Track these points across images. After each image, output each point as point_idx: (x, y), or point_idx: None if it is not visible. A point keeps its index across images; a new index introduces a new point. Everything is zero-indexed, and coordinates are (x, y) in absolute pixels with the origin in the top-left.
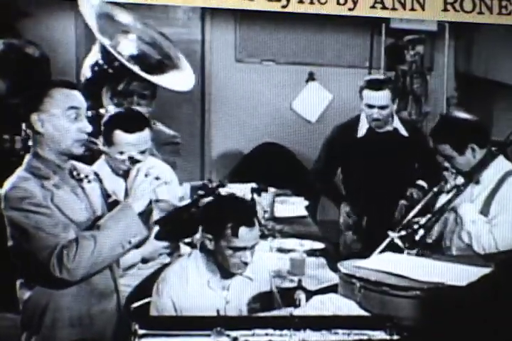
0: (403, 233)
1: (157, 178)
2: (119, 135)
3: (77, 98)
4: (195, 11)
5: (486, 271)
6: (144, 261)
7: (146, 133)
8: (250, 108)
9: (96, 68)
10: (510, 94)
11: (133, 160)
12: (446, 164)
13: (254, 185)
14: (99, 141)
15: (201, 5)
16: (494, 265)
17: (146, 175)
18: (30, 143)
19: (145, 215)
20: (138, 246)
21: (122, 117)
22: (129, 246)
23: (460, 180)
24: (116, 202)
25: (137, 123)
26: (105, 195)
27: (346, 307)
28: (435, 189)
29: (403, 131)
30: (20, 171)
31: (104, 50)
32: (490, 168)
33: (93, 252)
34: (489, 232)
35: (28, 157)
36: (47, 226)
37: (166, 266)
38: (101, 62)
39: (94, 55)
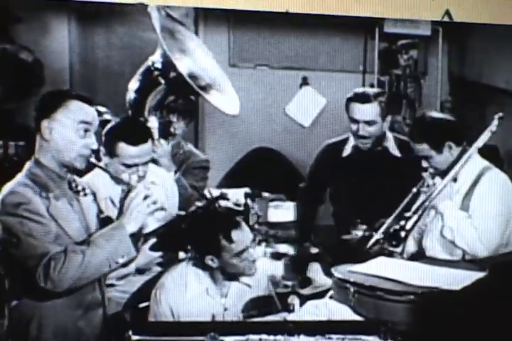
0: (389, 232)
1: (155, 202)
2: (122, 147)
3: (92, 113)
4: (189, 16)
5: (481, 275)
6: (139, 271)
7: (149, 144)
8: (244, 112)
9: (148, 75)
10: (504, 98)
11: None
12: (425, 164)
13: (247, 189)
14: (101, 162)
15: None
16: (488, 269)
17: (144, 198)
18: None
19: (136, 237)
20: (124, 265)
21: (125, 129)
22: (116, 266)
23: (438, 180)
24: (108, 219)
25: (140, 135)
26: (98, 210)
27: (340, 312)
28: (414, 189)
29: (394, 151)
30: (20, 177)
31: (164, 59)
32: (467, 165)
33: (80, 267)
34: (471, 226)
35: (29, 163)
36: (39, 233)
37: (164, 272)
38: (156, 72)
39: (150, 64)
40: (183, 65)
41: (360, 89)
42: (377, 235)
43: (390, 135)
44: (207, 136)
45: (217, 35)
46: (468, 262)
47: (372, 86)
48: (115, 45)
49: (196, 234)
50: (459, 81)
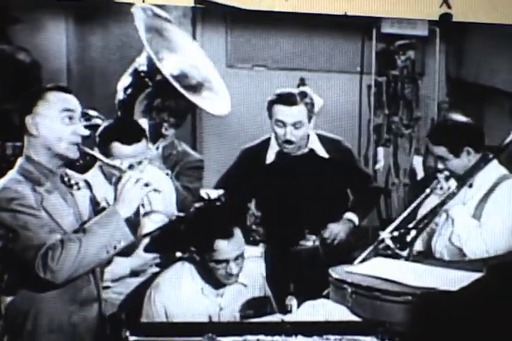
0: (395, 234)
1: (147, 185)
2: (116, 147)
3: (72, 101)
4: (186, 17)
5: (478, 275)
6: (134, 273)
7: (144, 143)
8: (241, 113)
9: (135, 77)
10: (502, 99)
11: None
12: (440, 166)
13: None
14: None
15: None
16: (486, 270)
17: (136, 181)
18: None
19: (133, 222)
20: (127, 254)
21: (119, 128)
22: (114, 251)
23: (453, 182)
24: (104, 210)
25: (134, 134)
26: (94, 202)
27: (338, 312)
28: (428, 190)
29: (322, 152)
30: (11, 173)
31: (149, 62)
32: (484, 172)
33: (78, 255)
34: (480, 236)
35: (20, 160)
36: (34, 226)
37: (159, 272)
38: (143, 73)
39: (137, 65)
40: (171, 65)
41: (283, 91)
42: (384, 234)
43: (314, 135)
44: (204, 137)
45: (214, 35)
46: (466, 263)
47: (369, 87)
48: (112, 45)
49: (190, 228)
50: (457, 82)
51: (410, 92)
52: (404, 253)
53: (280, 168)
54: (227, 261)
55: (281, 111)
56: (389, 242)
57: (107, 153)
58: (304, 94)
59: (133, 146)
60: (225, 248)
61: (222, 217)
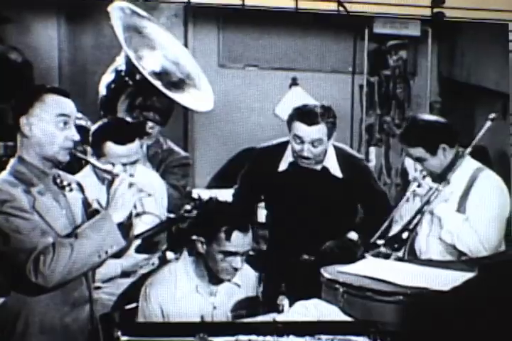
0: (388, 237)
1: (141, 190)
2: (109, 147)
3: (68, 106)
4: (178, 16)
5: (470, 275)
6: (125, 274)
7: (137, 144)
8: (233, 113)
9: (116, 77)
10: (494, 99)
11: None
12: (418, 167)
13: None
14: (88, 150)
15: None
16: (478, 269)
17: (129, 186)
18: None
19: (125, 226)
20: (119, 255)
21: (113, 128)
22: (106, 256)
23: (430, 181)
24: (97, 212)
25: (128, 134)
26: (86, 204)
27: (330, 312)
28: (408, 193)
29: (336, 172)
30: (3, 174)
31: (127, 61)
32: (459, 167)
33: (69, 259)
34: (470, 228)
35: (12, 161)
36: (25, 229)
37: (153, 271)
38: (123, 73)
39: (117, 65)
40: (152, 62)
41: (305, 107)
42: (375, 240)
43: (332, 152)
44: (196, 136)
45: (206, 35)
46: (458, 262)
47: (361, 87)
48: (104, 45)
49: (203, 217)
50: (449, 82)
51: (402, 92)
52: (400, 253)
53: (291, 179)
54: (235, 254)
55: (301, 128)
56: (384, 248)
57: (100, 152)
58: (325, 110)
59: (126, 146)
60: (239, 241)
61: (241, 210)
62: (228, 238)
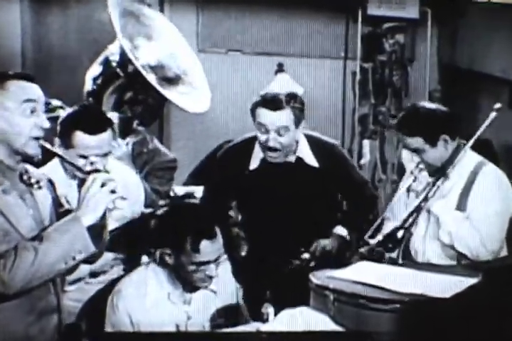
0: (379, 237)
1: (113, 191)
2: (79, 136)
3: (35, 90)
4: None
5: (473, 281)
6: (93, 274)
7: (109, 134)
8: (214, 102)
9: (106, 67)
10: (498, 86)
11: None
12: (416, 158)
13: None
14: (55, 144)
15: None
16: (481, 274)
17: (102, 186)
18: None
19: (97, 229)
20: (91, 261)
21: (83, 117)
22: (73, 263)
23: (426, 175)
24: (69, 212)
25: (99, 123)
26: (57, 203)
27: (319, 321)
28: (403, 188)
29: (311, 161)
30: None
31: (121, 51)
32: (460, 161)
33: (32, 265)
34: (471, 229)
35: None
36: None
37: (121, 277)
38: (114, 63)
39: (109, 54)
40: (147, 54)
41: (269, 93)
42: (371, 240)
43: (304, 140)
44: (172, 129)
45: (184, 17)
46: (459, 266)
47: (354, 74)
48: (72, 28)
49: (165, 227)
50: (450, 68)
51: (399, 80)
52: (394, 254)
53: (264, 177)
54: (208, 263)
55: (264, 115)
56: (378, 248)
57: (68, 143)
58: (291, 96)
59: (97, 136)
60: (209, 249)
61: (205, 215)
62: (196, 249)
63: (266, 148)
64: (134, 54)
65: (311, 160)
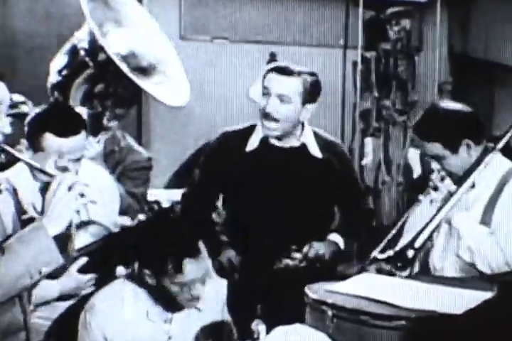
0: (390, 253)
1: (82, 195)
2: (49, 139)
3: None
4: None
5: (488, 295)
6: (63, 298)
7: (83, 136)
8: (198, 96)
9: (73, 56)
10: None
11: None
12: (436, 166)
13: None
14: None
15: None
16: (497, 287)
17: (69, 189)
18: None
19: (64, 239)
20: (54, 276)
21: (53, 117)
22: (39, 277)
23: (450, 183)
24: (32, 220)
25: (72, 124)
26: (20, 210)
27: (315, 340)
28: (421, 197)
29: (315, 151)
30: None
31: (90, 38)
32: (487, 167)
33: None
34: (495, 245)
35: None
36: None
37: (95, 291)
38: (83, 51)
39: (76, 41)
40: (118, 41)
41: (287, 64)
42: (376, 253)
43: (309, 129)
44: (152, 126)
45: (165, 1)
46: (473, 279)
47: (355, 64)
48: (38, 13)
49: (143, 247)
50: (462, 58)
51: (405, 71)
52: (404, 273)
53: (262, 160)
54: (193, 282)
55: (271, 78)
56: (383, 264)
57: (37, 146)
58: (309, 72)
59: (70, 139)
60: (194, 267)
61: (187, 231)
62: (179, 270)
63: (263, 115)
64: (104, 41)
65: (315, 150)
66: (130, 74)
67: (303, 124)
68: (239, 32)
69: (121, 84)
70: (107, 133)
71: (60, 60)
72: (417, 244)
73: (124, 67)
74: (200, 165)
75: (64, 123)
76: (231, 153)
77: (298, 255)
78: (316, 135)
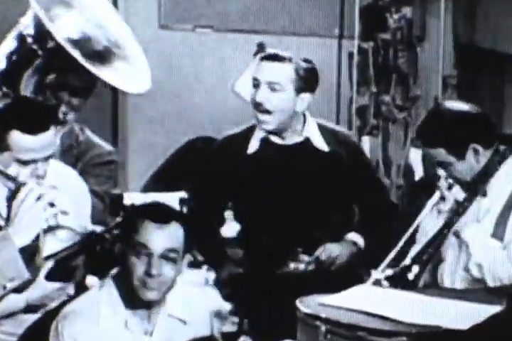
0: (389, 272)
1: (52, 205)
2: (15, 137)
3: None
4: None
5: (496, 309)
6: (30, 309)
7: (52, 133)
8: (179, 91)
9: (20, 44)
10: None
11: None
12: (441, 172)
13: (183, 194)
14: None
15: None
16: (506, 301)
17: (37, 198)
18: None
19: (30, 251)
20: (20, 290)
21: (20, 112)
22: (4, 292)
23: (458, 191)
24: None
25: (41, 120)
26: None
27: None
28: (429, 206)
29: (321, 144)
30: None
31: (36, 23)
32: (499, 173)
33: None
34: (508, 260)
35: None
36: None
37: (67, 300)
38: (30, 39)
39: (22, 28)
40: (68, 25)
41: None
42: (377, 274)
43: (313, 122)
44: (127, 122)
45: None
46: (480, 291)
47: (351, 55)
48: None
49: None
50: (468, 48)
51: (406, 63)
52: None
53: (264, 161)
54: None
55: (262, 67)
56: (384, 283)
57: (2, 145)
58: (303, 59)
59: (38, 137)
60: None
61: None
62: (135, 229)
63: (255, 106)
64: (52, 26)
65: (321, 143)
66: (83, 61)
67: (305, 117)
68: (223, 20)
69: (75, 73)
70: (64, 128)
71: (6, 48)
72: (421, 260)
73: (76, 54)
74: (203, 172)
75: (31, 118)
76: (233, 157)
77: (305, 257)
78: (321, 127)
